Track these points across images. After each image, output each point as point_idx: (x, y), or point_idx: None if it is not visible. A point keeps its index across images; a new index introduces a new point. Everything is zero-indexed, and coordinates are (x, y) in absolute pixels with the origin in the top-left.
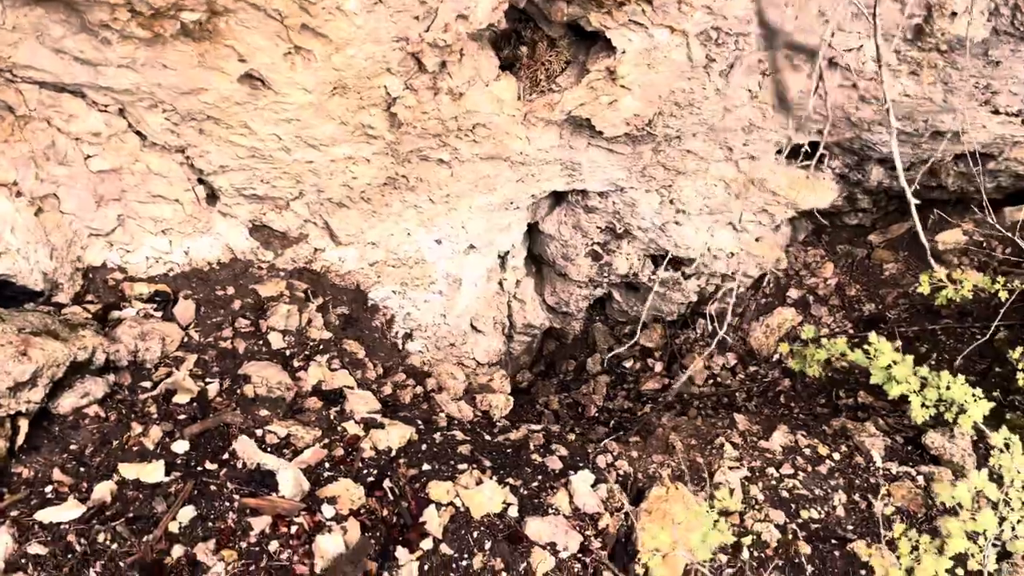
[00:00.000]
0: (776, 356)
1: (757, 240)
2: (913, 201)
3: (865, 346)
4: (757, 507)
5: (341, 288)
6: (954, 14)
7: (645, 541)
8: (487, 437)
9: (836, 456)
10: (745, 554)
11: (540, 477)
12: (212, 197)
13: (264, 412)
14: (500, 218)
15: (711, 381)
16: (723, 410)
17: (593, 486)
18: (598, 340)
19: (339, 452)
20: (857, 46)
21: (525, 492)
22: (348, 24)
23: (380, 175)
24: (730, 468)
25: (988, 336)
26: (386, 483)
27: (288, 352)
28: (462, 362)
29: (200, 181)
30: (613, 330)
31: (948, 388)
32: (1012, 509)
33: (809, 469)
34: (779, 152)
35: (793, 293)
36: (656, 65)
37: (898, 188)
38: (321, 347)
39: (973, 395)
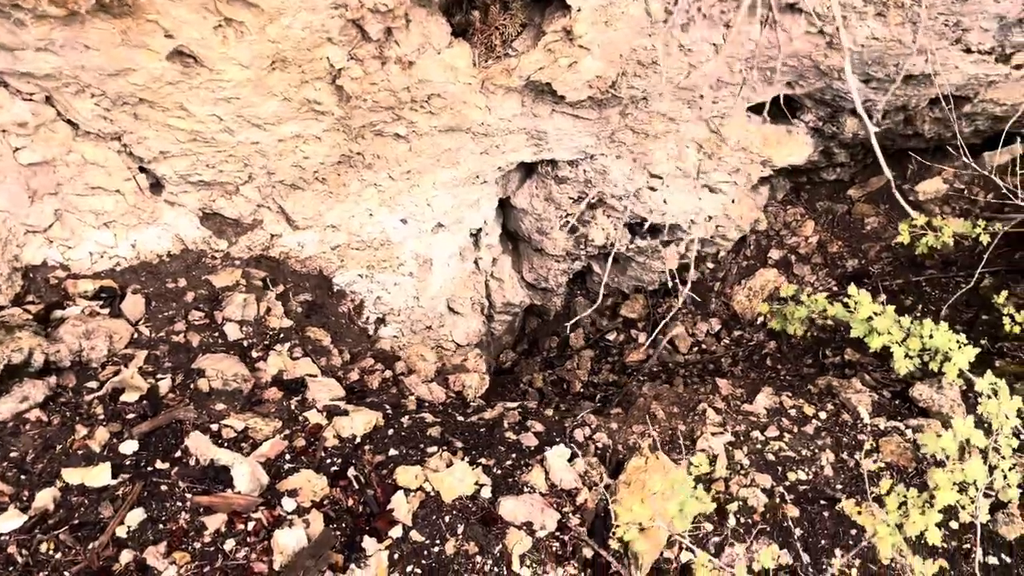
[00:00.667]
0: (760, 319)
1: (734, 202)
2: (878, 148)
3: (845, 299)
4: (743, 472)
5: (303, 274)
6: None
7: (620, 514)
8: (459, 418)
9: (822, 415)
10: (731, 521)
11: (514, 455)
12: (157, 186)
13: (220, 406)
14: (467, 193)
15: (696, 348)
16: (709, 377)
17: (570, 460)
18: (579, 313)
19: (300, 443)
20: None
21: (499, 472)
22: None
23: (333, 153)
24: (713, 434)
25: (973, 284)
26: (351, 471)
27: (246, 343)
28: (441, 344)
29: (142, 170)
30: (594, 302)
31: (931, 336)
32: (1002, 457)
33: (795, 430)
34: (751, 108)
35: (775, 254)
36: (614, 22)
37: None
38: (282, 336)
39: (957, 342)
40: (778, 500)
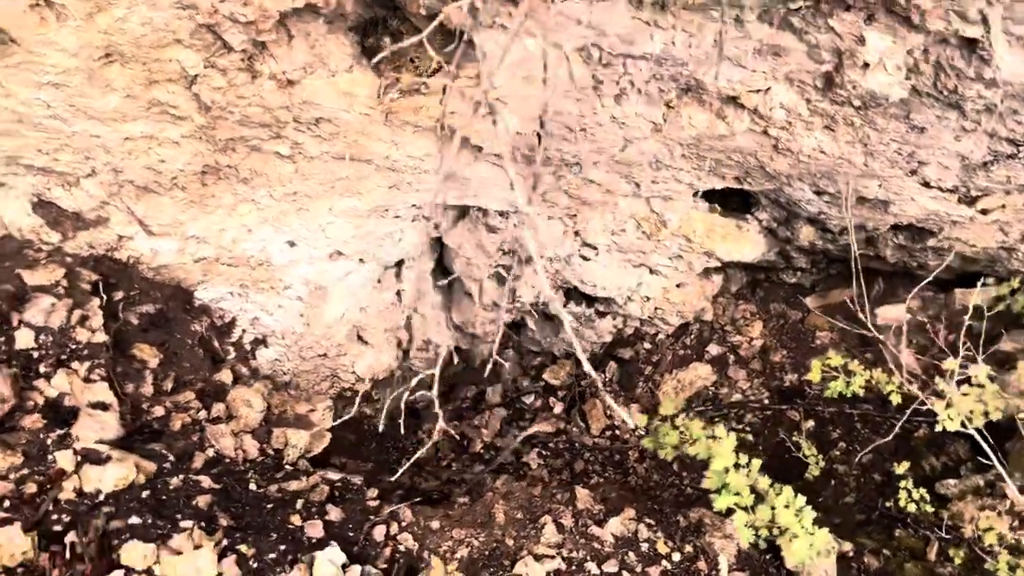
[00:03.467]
0: (679, 417)
1: (679, 286)
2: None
3: (711, 439)
4: None
5: (155, 283)
6: (866, 65)
7: None
8: (252, 486)
9: (676, 557)
10: None
11: (283, 547)
12: None
13: None
14: (377, 226)
15: (608, 433)
16: (595, 475)
17: (344, 567)
18: (504, 370)
19: (31, 489)
20: (764, 88)
21: (255, 565)
22: None
23: (195, 161)
24: (539, 557)
25: (893, 435)
26: (71, 536)
27: (36, 354)
28: (337, 374)
29: None
30: (523, 359)
31: (785, 507)
32: None
33: (638, 570)
34: (696, 195)
35: (713, 349)
36: (533, 80)
37: (836, 251)
38: (86, 352)
39: (803, 526)
40: None
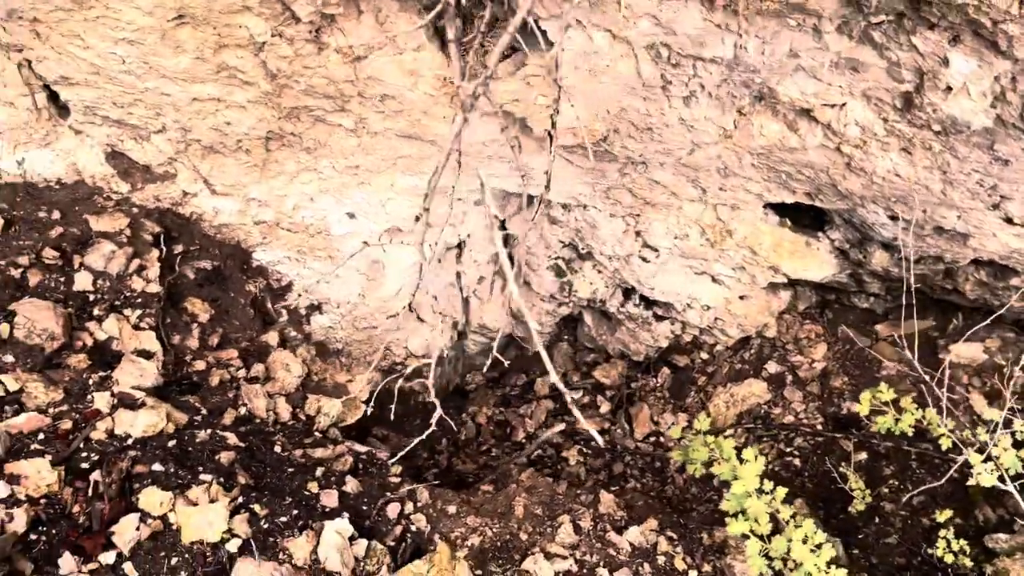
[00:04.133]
0: (727, 431)
1: (742, 298)
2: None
3: (736, 460)
4: None
5: (215, 240)
6: (949, 88)
7: None
8: (278, 448)
9: (692, 575)
10: None
11: (297, 512)
12: (65, 111)
13: (9, 358)
14: (436, 206)
15: (652, 439)
16: (633, 479)
17: (352, 539)
18: (556, 362)
19: (66, 425)
20: (839, 103)
21: (266, 526)
22: None
23: (260, 127)
24: (550, 556)
25: (947, 479)
26: (95, 475)
27: (92, 297)
28: (390, 348)
29: (48, 89)
30: (576, 355)
31: (802, 542)
32: None
33: None
34: (765, 207)
35: (772, 367)
36: (599, 74)
37: (913, 282)
38: (140, 300)
39: (816, 564)
40: None
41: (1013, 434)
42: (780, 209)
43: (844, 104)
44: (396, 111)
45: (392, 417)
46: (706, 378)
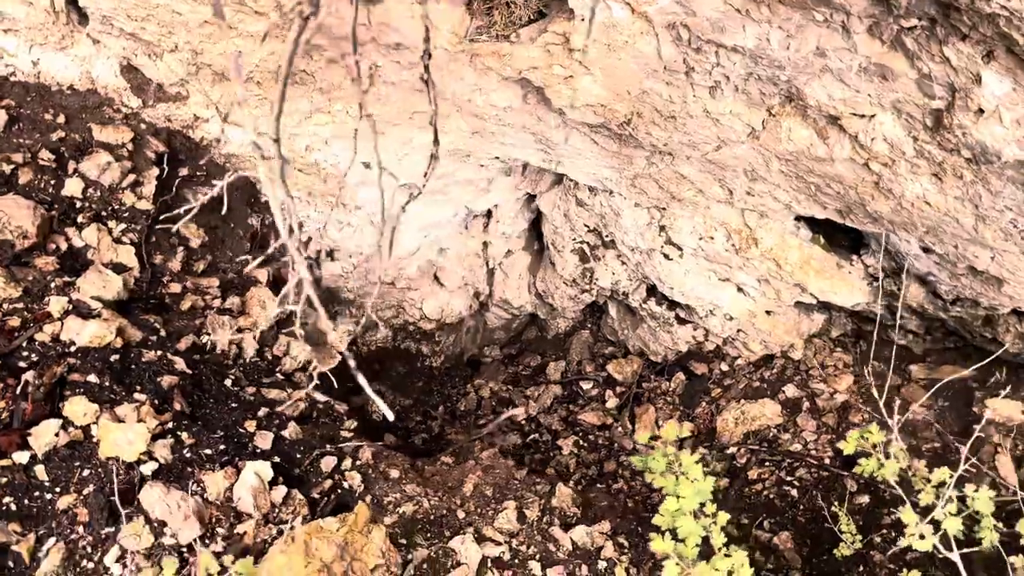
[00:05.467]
0: (730, 449)
1: (768, 314)
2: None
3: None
4: None
5: (224, 169)
6: (980, 111)
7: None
8: (228, 382)
9: None
10: None
11: (225, 447)
12: (84, 18)
13: None
14: (455, 168)
15: (653, 443)
16: (623, 480)
17: (272, 484)
18: (573, 349)
19: (14, 322)
20: (868, 113)
21: (189, 455)
22: None
23: (271, 60)
24: (482, 539)
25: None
26: (29, 375)
27: (79, 204)
28: (402, 306)
29: None
30: (595, 346)
31: (728, 574)
32: None
33: None
34: (797, 219)
35: (790, 390)
36: (617, 49)
37: (951, 323)
38: (127, 215)
39: None
40: None
41: (962, 499)
42: (814, 224)
43: (873, 116)
44: (411, 63)
45: (397, 376)
46: (720, 390)
